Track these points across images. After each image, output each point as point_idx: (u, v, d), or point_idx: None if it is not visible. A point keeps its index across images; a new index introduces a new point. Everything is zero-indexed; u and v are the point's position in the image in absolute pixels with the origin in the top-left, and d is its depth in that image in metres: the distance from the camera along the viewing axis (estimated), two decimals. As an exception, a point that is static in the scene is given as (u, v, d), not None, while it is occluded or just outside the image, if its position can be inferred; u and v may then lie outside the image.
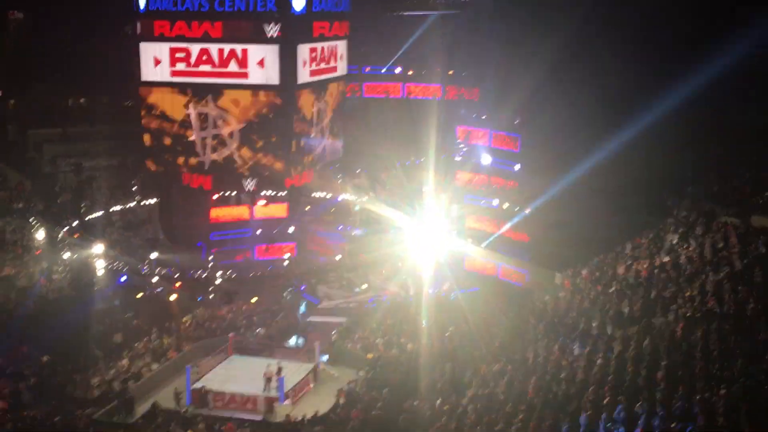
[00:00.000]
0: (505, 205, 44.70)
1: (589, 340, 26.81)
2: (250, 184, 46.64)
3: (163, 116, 46.36)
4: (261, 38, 43.82)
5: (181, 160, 46.81)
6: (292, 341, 41.12)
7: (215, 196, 49.11)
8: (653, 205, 37.27)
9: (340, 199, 52.16)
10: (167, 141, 46.79)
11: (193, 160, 46.55)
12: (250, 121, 45.28)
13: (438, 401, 28.19)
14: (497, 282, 43.26)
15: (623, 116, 38.32)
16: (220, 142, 45.92)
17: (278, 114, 45.07)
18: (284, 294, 45.63)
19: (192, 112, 45.52)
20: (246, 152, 45.96)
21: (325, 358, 38.53)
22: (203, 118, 45.56)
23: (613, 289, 30.20)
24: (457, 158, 47.10)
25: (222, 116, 45.32)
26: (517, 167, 43.72)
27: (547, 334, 29.44)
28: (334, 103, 50.50)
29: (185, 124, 45.96)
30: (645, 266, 30.83)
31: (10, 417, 32.34)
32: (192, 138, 46.01)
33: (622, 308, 27.94)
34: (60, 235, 44.31)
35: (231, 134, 45.59)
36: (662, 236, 33.43)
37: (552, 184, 40.29)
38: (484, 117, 46.87)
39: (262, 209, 50.36)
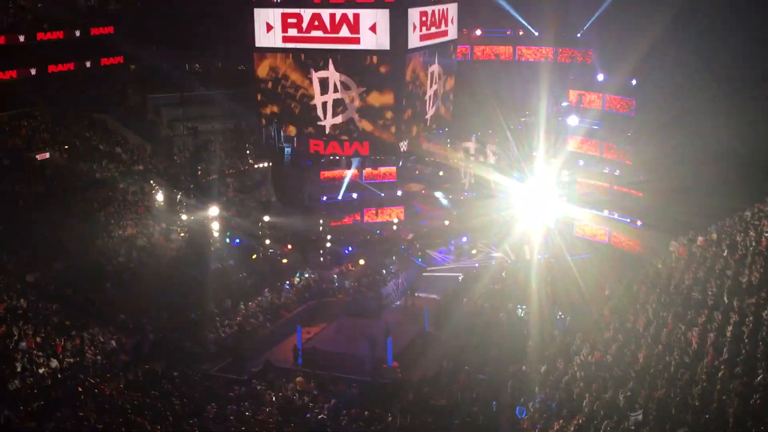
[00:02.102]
0: (617, 171, 43.66)
1: (704, 309, 26.03)
2: (403, 146, 46.83)
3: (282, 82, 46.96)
4: (373, 2, 43.76)
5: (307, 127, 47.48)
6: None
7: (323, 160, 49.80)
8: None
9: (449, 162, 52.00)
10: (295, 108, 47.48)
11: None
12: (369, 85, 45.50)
13: (544, 367, 28.01)
14: (608, 248, 42.54)
15: (745, 75, 36.68)
16: (341, 106, 46.21)
17: (390, 79, 45.08)
18: (393, 257, 45.98)
19: (313, 76, 45.92)
20: (366, 124, 46.18)
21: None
22: (324, 82, 45.90)
23: (730, 256, 29.15)
24: (569, 122, 46.20)
25: (343, 80, 45.53)
26: (632, 131, 42.56)
27: (660, 303, 28.73)
28: (451, 71, 50.14)
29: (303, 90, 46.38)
30: (767, 234, 29.61)
31: (132, 369, 33.90)
32: (312, 102, 46.47)
33: (740, 278, 26.97)
34: (178, 197, 45.73)
35: (352, 99, 45.82)
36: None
37: (668, 148, 39.09)
38: (599, 77, 45.59)
39: (371, 173, 50.69)
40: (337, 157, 49.23)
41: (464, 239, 45.55)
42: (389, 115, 45.61)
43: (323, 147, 47.26)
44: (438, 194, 50.53)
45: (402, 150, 47.11)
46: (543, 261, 40.65)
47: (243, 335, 37.58)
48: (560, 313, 34.44)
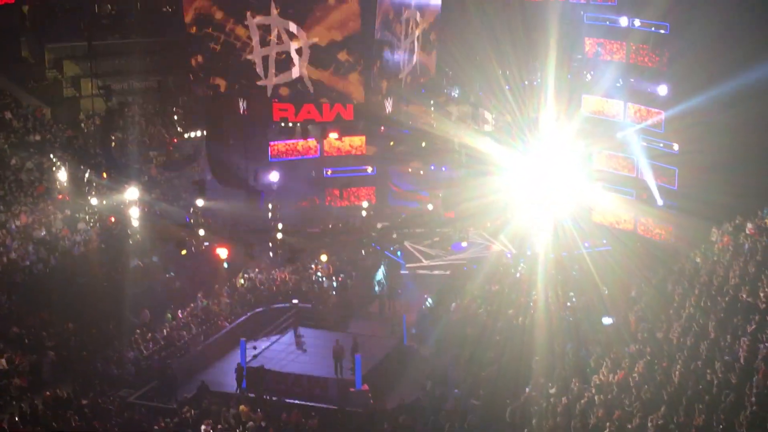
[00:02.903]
0: (645, 141, 43.90)
1: (754, 315, 26.32)
2: (388, 107, 46.48)
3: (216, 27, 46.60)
4: None
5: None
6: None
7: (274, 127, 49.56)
8: None
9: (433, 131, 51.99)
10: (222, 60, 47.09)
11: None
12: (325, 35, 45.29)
13: (554, 389, 28.21)
14: (634, 238, 42.79)
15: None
16: (286, 61, 45.96)
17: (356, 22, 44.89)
18: (362, 252, 46.05)
19: (251, 23, 45.59)
20: (316, 73, 46.02)
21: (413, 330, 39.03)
22: (264, 30, 45.61)
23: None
24: (586, 78, 46.33)
25: (288, 28, 45.28)
26: (664, 90, 42.76)
27: (699, 307, 29.01)
28: (431, 12, 50.01)
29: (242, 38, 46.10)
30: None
31: (28, 396, 33.72)
32: (250, 57, 46.20)
33: (799, 274, 27.33)
34: (86, 176, 45.40)
35: (299, 51, 45.61)
36: None
37: (709, 111, 39.29)
38: (622, 21, 45.71)
39: (334, 144, 50.58)
40: (290, 125, 49.00)
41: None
42: (344, 56, 45.44)
43: (294, 112, 46.95)
44: None
45: (388, 111, 47.18)
46: (552, 255, 40.81)
47: (171, 352, 37.49)
48: (570, 317, 34.72)
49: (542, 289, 37.17)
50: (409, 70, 49.25)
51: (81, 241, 43.39)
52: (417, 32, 49.05)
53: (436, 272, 44.96)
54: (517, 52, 48.77)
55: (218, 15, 45.92)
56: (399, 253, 46.76)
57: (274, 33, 45.48)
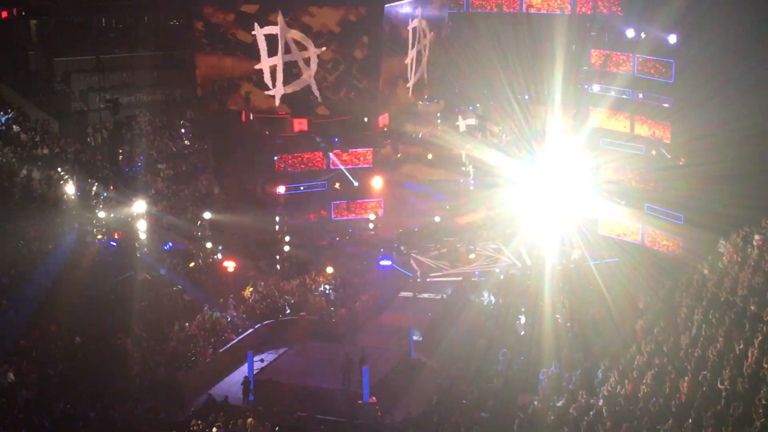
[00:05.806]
0: (653, 152, 43.91)
1: (762, 326, 26.24)
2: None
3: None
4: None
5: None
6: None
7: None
8: None
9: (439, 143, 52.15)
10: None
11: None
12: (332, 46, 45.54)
13: (561, 401, 28.16)
14: (642, 250, 42.73)
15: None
16: (294, 70, 46.18)
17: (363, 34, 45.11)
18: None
19: (258, 33, 45.86)
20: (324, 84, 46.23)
21: (417, 337, 38.99)
22: (271, 42, 45.86)
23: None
24: (592, 91, 46.40)
25: (296, 38, 45.52)
26: (670, 101, 42.85)
27: (707, 319, 28.94)
28: (439, 27, 50.20)
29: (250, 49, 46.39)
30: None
31: (36, 409, 33.69)
32: (259, 66, 46.45)
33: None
34: (93, 189, 45.48)
35: (308, 60, 45.82)
36: None
37: (716, 123, 39.30)
38: (629, 33, 45.81)
39: (341, 156, 50.68)
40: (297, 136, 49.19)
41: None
42: (351, 73, 45.63)
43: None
44: None
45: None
46: (559, 266, 40.77)
47: (178, 365, 37.47)
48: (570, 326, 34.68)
49: (549, 300, 37.13)
50: (415, 81, 49.38)
51: (89, 254, 43.44)
52: (425, 42, 49.19)
53: (449, 278, 44.97)
54: (524, 65, 48.95)
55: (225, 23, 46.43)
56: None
57: (282, 43, 45.70)
